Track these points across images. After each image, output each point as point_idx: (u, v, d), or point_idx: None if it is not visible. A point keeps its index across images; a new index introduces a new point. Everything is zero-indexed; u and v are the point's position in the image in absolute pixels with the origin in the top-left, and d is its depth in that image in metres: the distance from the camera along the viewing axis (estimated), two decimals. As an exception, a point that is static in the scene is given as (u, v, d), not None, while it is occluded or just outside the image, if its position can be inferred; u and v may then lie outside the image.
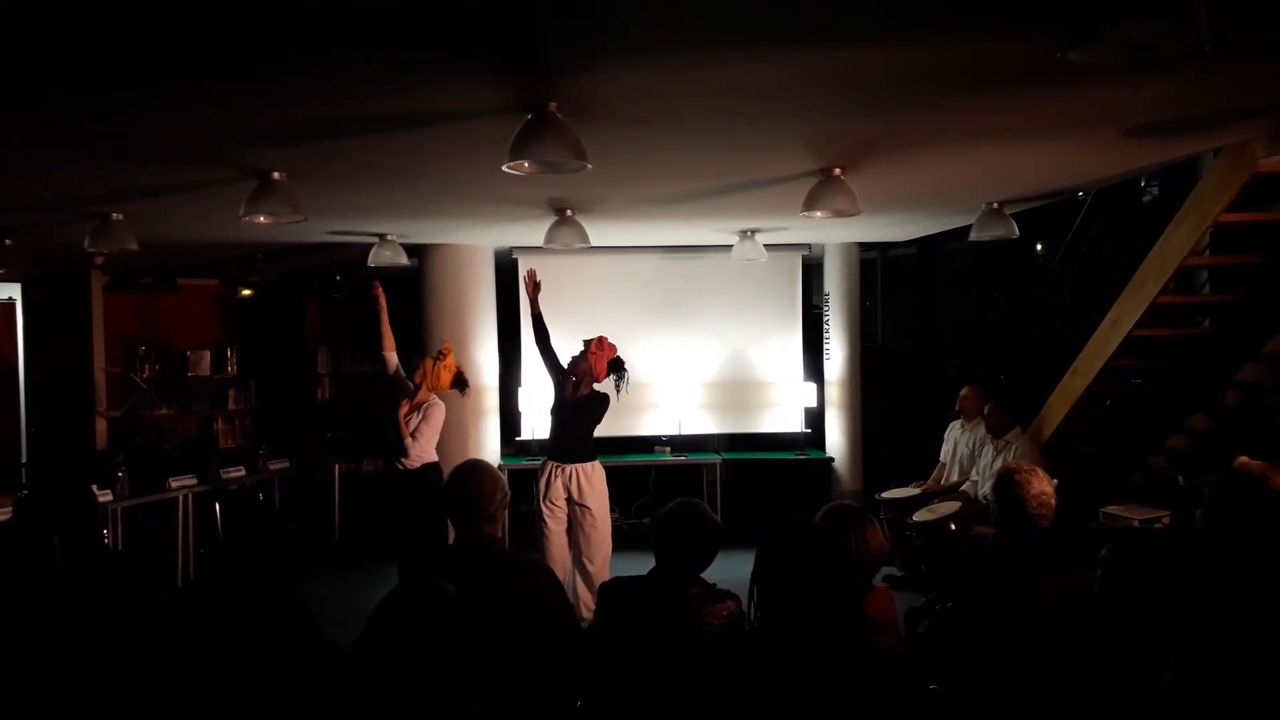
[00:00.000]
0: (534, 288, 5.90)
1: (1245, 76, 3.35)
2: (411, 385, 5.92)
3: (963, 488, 6.53)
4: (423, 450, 5.80)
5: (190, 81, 3.07)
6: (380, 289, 6.01)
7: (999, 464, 6.12)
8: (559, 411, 5.74)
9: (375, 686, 1.88)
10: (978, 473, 6.47)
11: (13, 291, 8.67)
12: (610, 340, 5.79)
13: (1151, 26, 2.17)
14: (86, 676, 2.84)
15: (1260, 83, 3.44)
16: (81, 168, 4.35)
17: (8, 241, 6.20)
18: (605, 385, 5.79)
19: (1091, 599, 2.57)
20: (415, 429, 5.77)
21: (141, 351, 8.88)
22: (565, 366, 5.79)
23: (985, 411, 6.43)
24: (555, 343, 5.89)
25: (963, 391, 6.82)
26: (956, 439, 6.86)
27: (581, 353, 5.73)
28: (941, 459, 6.96)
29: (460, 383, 6.09)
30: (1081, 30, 2.27)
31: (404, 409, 5.78)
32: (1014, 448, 6.14)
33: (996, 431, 6.33)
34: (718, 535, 2.88)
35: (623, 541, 6.25)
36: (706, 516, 2.88)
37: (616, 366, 5.78)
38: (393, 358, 5.97)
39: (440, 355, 6.09)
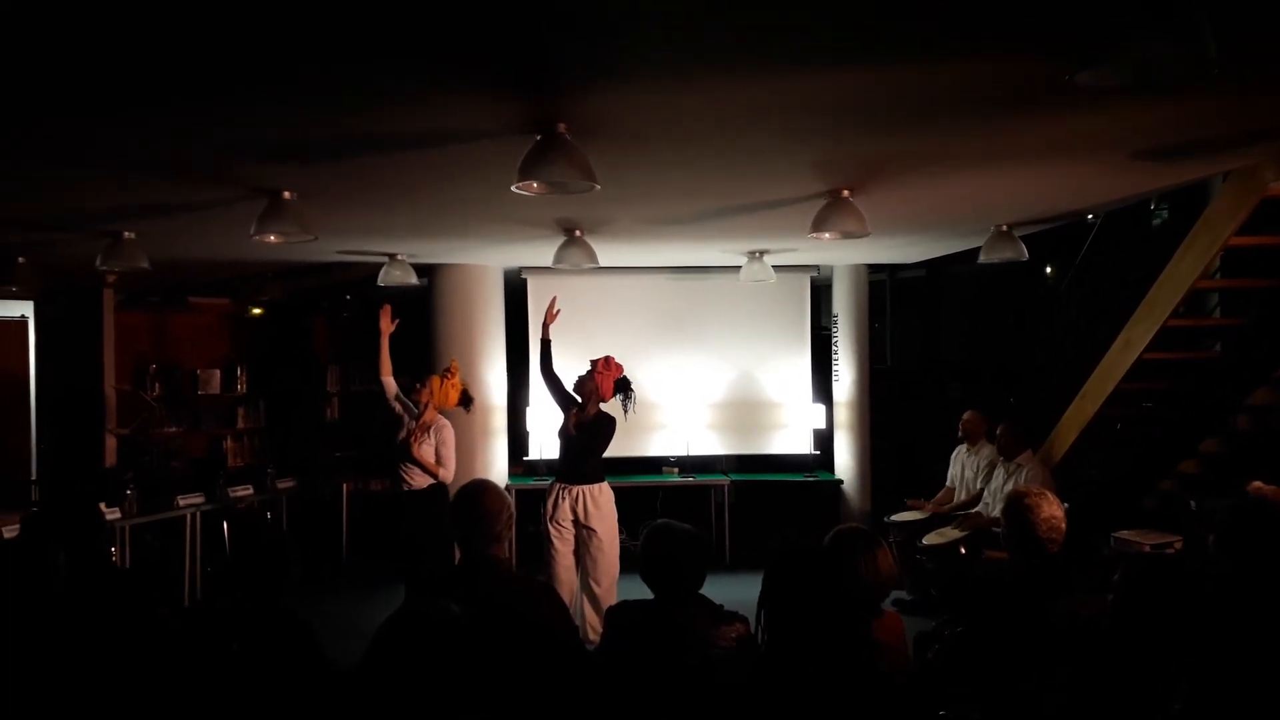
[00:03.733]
0: (552, 315, 5.94)
1: (1254, 100, 3.34)
2: (415, 406, 5.94)
3: (975, 508, 6.48)
4: (451, 472, 5.84)
5: (202, 101, 3.09)
6: (388, 314, 6.02)
7: (1009, 487, 6.08)
8: (566, 434, 5.73)
9: (377, 706, 1.86)
10: (990, 494, 6.43)
11: (25, 309, 8.71)
12: (617, 360, 5.79)
13: (1158, 49, 2.18)
14: (92, 693, 2.83)
15: (1269, 106, 3.44)
16: (94, 186, 4.38)
17: (21, 259, 6.24)
18: (612, 405, 5.78)
19: (1102, 624, 2.55)
20: (440, 458, 5.82)
21: (152, 369, 8.90)
22: (570, 390, 5.78)
23: (997, 433, 6.39)
24: (563, 363, 5.91)
25: (965, 415, 6.79)
26: (963, 462, 6.83)
27: (588, 372, 5.73)
28: (949, 483, 6.92)
29: (466, 400, 6.12)
30: (1089, 53, 2.28)
31: (415, 439, 5.78)
32: (1025, 471, 6.10)
33: (1007, 454, 6.28)
34: (704, 547, 2.84)
35: (631, 563, 6.21)
36: (687, 532, 2.84)
37: (623, 386, 5.77)
38: (391, 383, 5.99)
39: (448, 373, 6.10)
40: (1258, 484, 3.84)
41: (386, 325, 6.01)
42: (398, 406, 5.99)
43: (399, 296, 6.49)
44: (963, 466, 6.82)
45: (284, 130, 3.47)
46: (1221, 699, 2.15)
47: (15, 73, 2.76)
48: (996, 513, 5.90)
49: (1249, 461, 5.34)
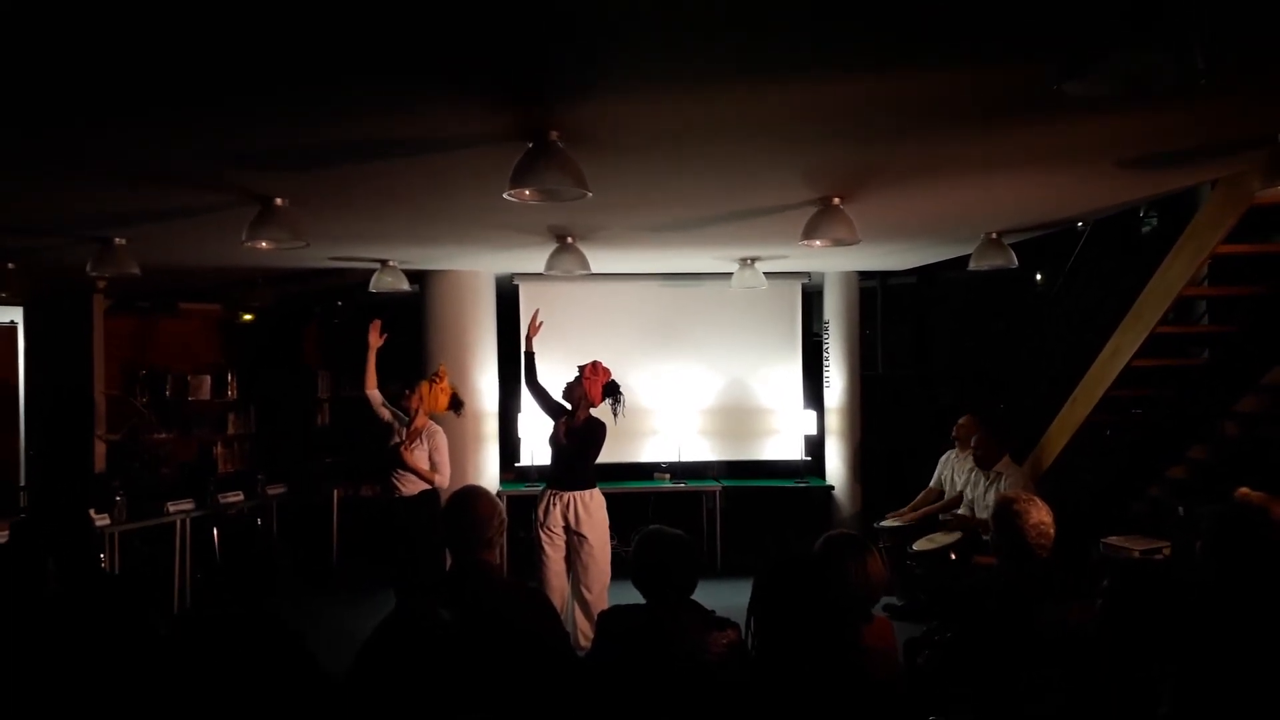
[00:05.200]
0: (535, 328, 5.96)
1: (1240, 109, 3.37)
2: (404, 414, 5.95)
3: (959, 510, 6.49)
4: (447, 477, 5.87)
5: (193, 108, 3.10)
6: (376, 329, 6.04)
7: (991, 495, 6.11)
8: (556, 441, 5.72)
9: (368, 712, 1.86)
10: (970, 503, 6.44)
11: (14, 314, 8.68)
12: (604, 365, 5.79)
13: (1145, 58, 2.20)
14: (81, 700, 2.82)
15: (1256, 115, 3.47)
16: (85, 192, 4.38)
17: (10, 265, 6.22)
18: (602, 410, 5.78)
19: (1091, 630, 2.56)
20: (435, 463, 5.85)
21: (141, 375, 8.88)
22: (558, 401, 5.78)
23: (972, 444, 6.38)
24: (556, 370, 5.92)
25: (961, 420, 6.80)
26: (954, 466, 6.83)
27: (576, 379, 5.73)
28: (932, 484, 6.93)
29: (456, 404, 6.13)
30: (1076, 62, 2.30)
31: (408, 446, 5.80)
32: (1004, 478, 6.11)
33: (984, 464, 6.28)
34: (695, 552, 2.86)
35: (622, 570, 6.22)
36: (678, 538, 2.85)
37: (612, 390, 5.77)
38: (375, 394, 6.02)
39: (436, 378, 6.11)
40: (1244, 490, 3.87)
41: (375, 339, 6.04)
42: (386, 413, 6.00)
43: (390, 303, 6.48)
44: (952, 470, 6.83)
45: (277, 137, 3.48)
46: (1207, 704, 2.17)
47: (8, 78, 2.76)
48: (985, 518, 5.92)
49: (1237, 468, 5.37)
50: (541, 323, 6.02)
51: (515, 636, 2.61)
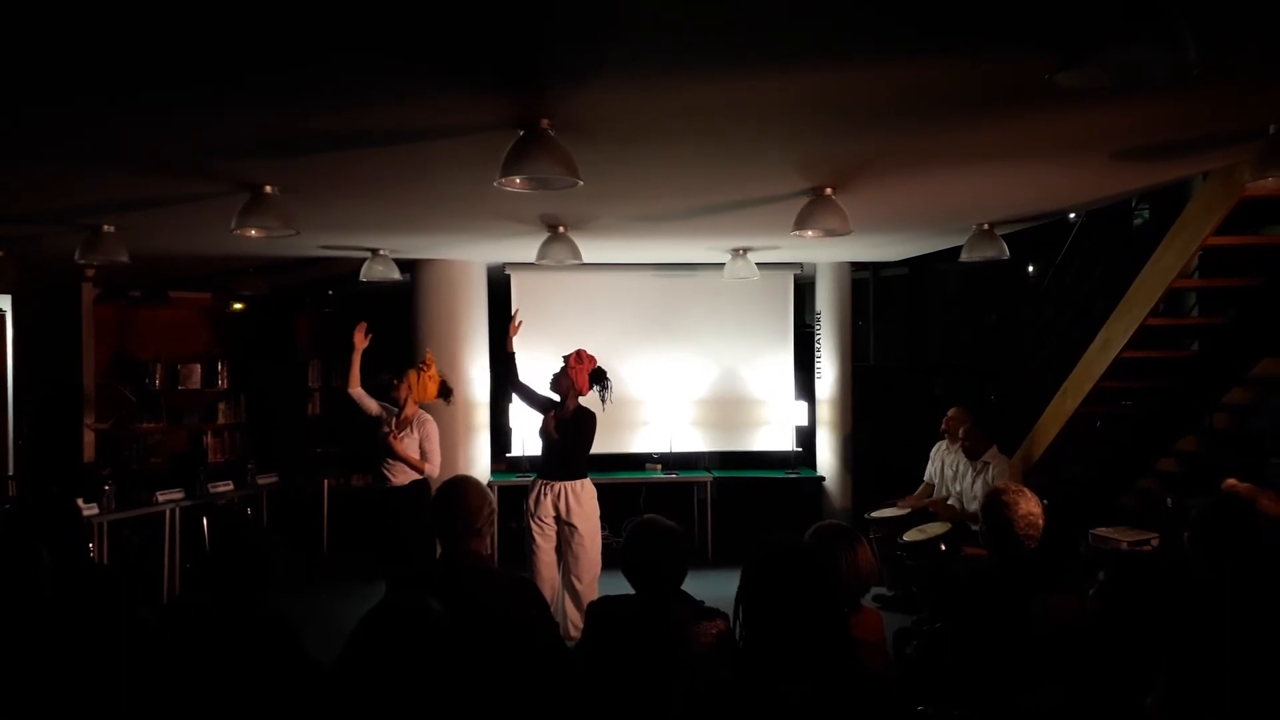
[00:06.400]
0: (515, 328, 5.95)
1: (1232, 101, 3.38)
2: (393, 404, 5.93)
3: (949, 502, 6.51)
4: (437, 466, 5.85)
5: (183, 94, 3.07)
6: (362, 330, 6.03)
7: (979, 485, 6.14)
8: (547, 434, 5.70)
9: (356, 702, 1.86)
10: (959, 494, 6.46)
11: (3, 303, 8.64)
12: (589, 352, 5.78)
13: (1138, 51, 2.19)
14: (70, 691, 2.81)
15: (1247, 108, 3.47)
16: (73, 179, 4.35)
17: (-2, 253, 6.19)
18: (590, 398, 5.77)
19: (1081, 620, 2.57)
20: (425, 452, 5.83)
21: (131, 364, 8.83)
22: (544, 395, 5.76)
23: (960, 435, 6.41)
24: (548, 360, 5.90)
25: (950, 412, 6.82)
26: (944, 458, 6.85)
27: (562, 369, 5.71)
28: (926, 478, 6.95)
29: (445, 392, 6.11)
30: (1070, 53, 2.29)
31: (397, 434, 5.78)
32: (992, 468, 6.14)
33: (972, 455, 6.31)
34: (685, 543, 2.85)
35: (613, 560, 6.23)
36: (669, 528, 2.85)
37: (599, 377, 5.76)
38: (359, 392, 6.00)
39: (424, 366, 6.09)
40: (1232, 481, 3.88)
41: (360, 341, 6.03)
42: (373, 405, 5.98)
43: (381, 292, 6.44)
44: (943, 463, 6.85)
45: (266, 125, 3.45)
46: (1196, 694, 2.18)
47: (-8, 64, 2.74)
48: (974, 509, 5.94)
49: (1226, 459, 5.40)
50: (521, 322, 6.01)
51: (505, 626, 2.61)
